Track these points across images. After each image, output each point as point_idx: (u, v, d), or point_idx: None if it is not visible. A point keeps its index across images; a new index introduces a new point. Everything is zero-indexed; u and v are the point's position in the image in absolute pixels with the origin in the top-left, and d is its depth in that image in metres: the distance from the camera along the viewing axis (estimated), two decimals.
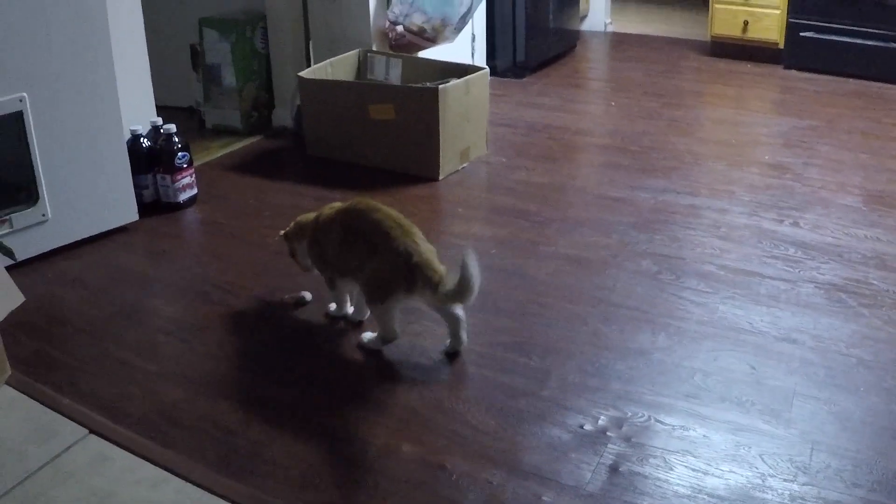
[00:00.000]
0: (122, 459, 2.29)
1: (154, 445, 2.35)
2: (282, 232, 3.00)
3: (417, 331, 2.88)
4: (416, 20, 4.42)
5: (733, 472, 2.24)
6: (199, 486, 2.19)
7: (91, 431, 2.39)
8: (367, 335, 2.81)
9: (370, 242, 2.69)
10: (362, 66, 4.55)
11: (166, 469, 2.25)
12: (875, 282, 3.16)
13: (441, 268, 2.64)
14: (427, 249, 2.66)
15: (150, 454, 2.30)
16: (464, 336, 2.74)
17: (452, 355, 2.75)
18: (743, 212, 3.74)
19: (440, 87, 3.97)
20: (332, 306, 2.97)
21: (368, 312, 2.87)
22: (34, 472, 2.22)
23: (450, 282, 2.54)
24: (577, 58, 6.47)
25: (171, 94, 4.65)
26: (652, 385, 2.59)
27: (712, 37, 6.31)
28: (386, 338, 2.75)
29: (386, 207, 2.76)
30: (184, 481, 2.21)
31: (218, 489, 2.18)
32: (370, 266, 2.68)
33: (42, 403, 2.51)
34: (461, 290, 2.52)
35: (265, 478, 2.23)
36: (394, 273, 2.63)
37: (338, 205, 2.90)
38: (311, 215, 2.94)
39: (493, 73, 5.55)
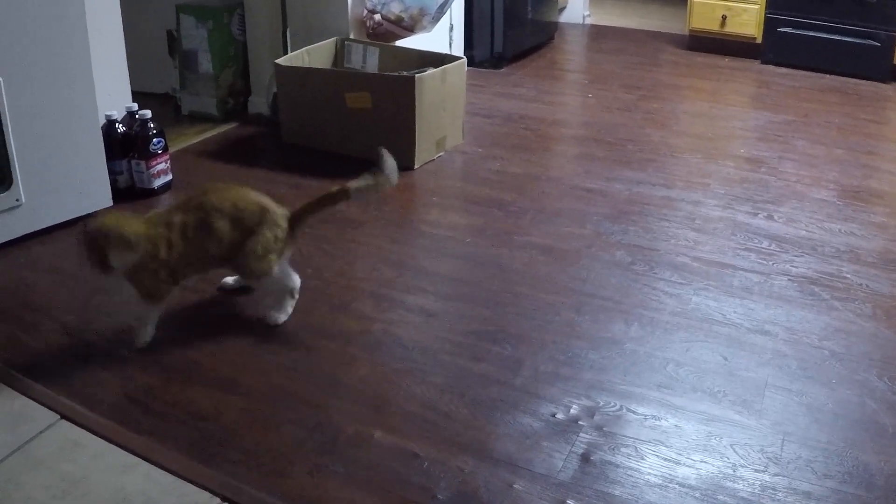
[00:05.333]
0: (93, 445, 2.28)
1: (125, 431, 2.33)
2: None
3: (391, 319, 2.88)
4: (394, 9, 4.41)
5: (704, 461, 2.25)
6: (169, 471, 2.19)
7: (62, 417, 2.38)
8: (272, 313, 2.85)
9: (241, 226, 2.70)
10: (339, 54, 4.53)
11: (137, 455, 2.24)
12: (848, 275, 3.18)
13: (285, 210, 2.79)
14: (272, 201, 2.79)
15: (122, 440, 2.30)
16: (290, 309, 2.87)
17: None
18: (717, 204, 3.76)
19: (417, 75, 3.96)
20: (229, 280, 3.03)
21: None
22: (4, 458, 2.21)
23: (363, 178, 2.59)
24: (555, 49, 6.48)
25: (147, 79, 4.62)
26: (624, 375, 2.60)
27: (690, 30, 6.33)
28: (287, 287, 2.83)
29: (216, 192, 2.77)
30: (154, 467, 2.20)
31: (189, 475, 2.18)
32: (245, 247, 2.69)
33: (13, 388, 2.49)
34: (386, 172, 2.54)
35: (236, 464, 2.23)
36: (274, 241, 2.72)
37: (155, 217, 2.68)
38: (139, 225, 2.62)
39: (471, 63, 5.57)
